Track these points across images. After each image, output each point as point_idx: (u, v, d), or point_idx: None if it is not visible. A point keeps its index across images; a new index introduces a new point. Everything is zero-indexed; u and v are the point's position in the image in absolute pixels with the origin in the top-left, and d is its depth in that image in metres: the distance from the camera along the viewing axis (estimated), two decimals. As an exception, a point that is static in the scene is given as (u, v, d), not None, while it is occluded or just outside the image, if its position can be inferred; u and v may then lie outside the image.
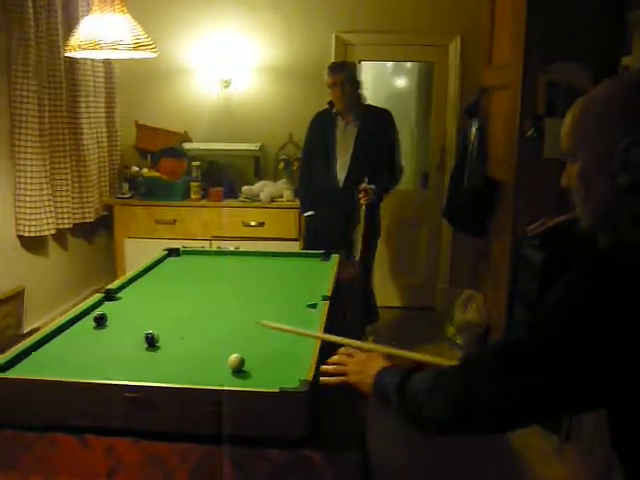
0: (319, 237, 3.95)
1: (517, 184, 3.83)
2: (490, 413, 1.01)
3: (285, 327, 1.64)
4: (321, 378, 1.49)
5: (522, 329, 0.99)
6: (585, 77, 3.52)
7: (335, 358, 1.50)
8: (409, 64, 5.48)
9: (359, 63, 5.00)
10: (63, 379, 1.62)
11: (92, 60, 4.55)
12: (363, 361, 1.40)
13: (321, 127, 4.07)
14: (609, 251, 0.99)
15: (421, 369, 1.21)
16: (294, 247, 4.21)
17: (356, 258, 3.64)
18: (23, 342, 1.92)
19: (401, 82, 5.60)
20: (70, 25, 4.11)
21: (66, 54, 2.63)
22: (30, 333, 3.68)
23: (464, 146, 4.52)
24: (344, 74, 3.88)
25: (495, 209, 4.27)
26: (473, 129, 4.45)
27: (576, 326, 0.91)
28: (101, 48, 2.48)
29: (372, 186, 3.80)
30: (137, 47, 2.56)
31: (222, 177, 4.88)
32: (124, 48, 2.51)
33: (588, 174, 1.04)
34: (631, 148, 0.96)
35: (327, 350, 1.82)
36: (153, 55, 2.74)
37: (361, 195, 3.78)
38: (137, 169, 4.92)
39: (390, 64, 5.50)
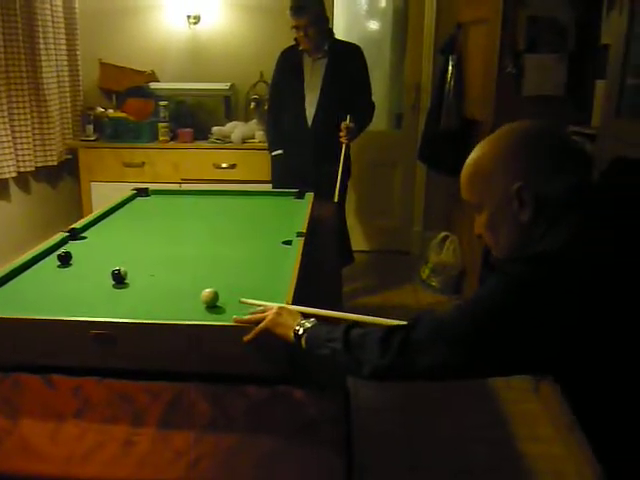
0: (288, 176, 3.83)
1: (495, 123, 3.74)
2: (424, 374, 1.15)
3: (264, 303, 1.56)
4: (234, 319, 1.48)
5: (460, 315, 1.12)
6: (568, 11, 3.42)
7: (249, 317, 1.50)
8: (383, 2, 5.29)
9: (332, 0, 4.84)
10: (27, 317, 1.54)
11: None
12: (278, 313, 1.45)
13: (288, 65, 3.91)
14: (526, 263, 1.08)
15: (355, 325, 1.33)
16: (267, 189, 4.09)
17: (335, 199, 3.54)
18: (-18, 281, 1.82)
19: (375, 21, 5.41)
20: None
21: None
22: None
23: (440, 85, 4.41)
24: (307, 16, 3.67)
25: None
26: (450, 67, 4.33)
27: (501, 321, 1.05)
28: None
29: (353, 124, 3.68)
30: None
31: (191, 118, 4.72)
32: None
33: (494, 221, 1.19)
34: (522, 190, 1.12)
35: (304, 287, 1.75)
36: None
37: (343, 134, 3.67)
38: (102, 110, 4.71)
39: (364, 1, 5.31)
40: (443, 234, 4.46)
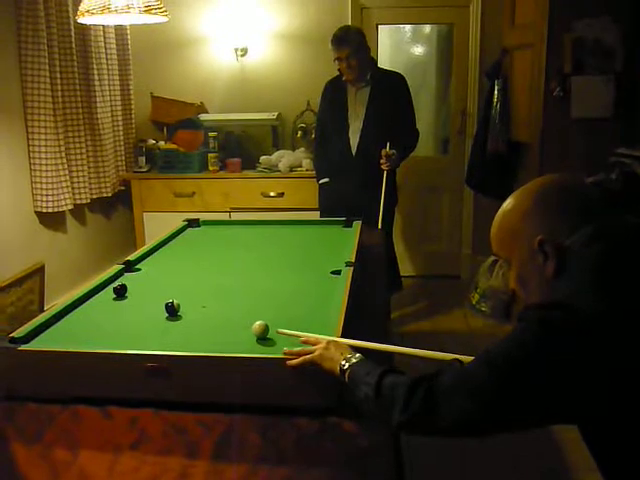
0: (335, 205, 3.87)
1: (543, 146, 3.72)
2: (452, 428, 1.15)
3: (302, 334, 1.59)
4: (284, 352, 1.51)
5: (481, 366, 1.12)
6: (614, 32, 3.39)
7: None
8: (428, 28, 5.33)
9: (376, 27, 4.90)
10: (84, 350, 1.58)
11: (104, 30, 4.47)
12: (326, 347, 1.47)
13: (332, 95, 3.98)
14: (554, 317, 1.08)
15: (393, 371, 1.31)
16: (314, 217, 4.13)
17: (378, 225, 3.55)
18: (43, 314, 1.89)
19: (420, 47, 5.45)
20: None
21: (77, 20, 2.56)
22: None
23: (486, 109, 4.40)
24: (348, 47, 3.72)
25: (520, 173, 4.17)
26: (495, 91, 4.32)
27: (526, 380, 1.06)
28: (110, 12, 2.40)
29: (394, 151, 3.70)
30: (147, 11, 2.48)
31: (239, 148, 4.81)
32: (134, 12, 2.43)
33: (522, 275, 1.22)
34: (543, 243, 1.14)
35: (353, 318, 1.76)
36: (164, 19, 2.65)
37: (383, 161, 3.69)
38: (153, 142, 4.86)
39: (408, 28, 5.34)
40: (492, 258, 4.40)
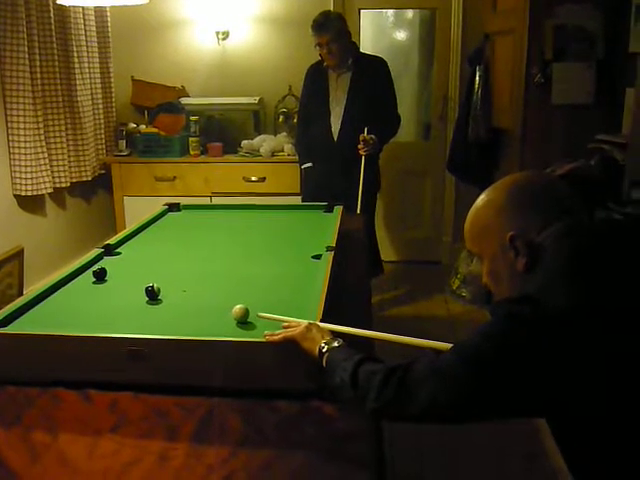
0: (318, 190, 3.87)
1: (524, 132, 3.74)
2: (422, 415, 1.17)
3: (283, 317, 1.60)
4: (265, 334, 1.51)
5: (453, 357, 1.15)
6: (596, 19, 3.40)
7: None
8: (410, 13, 5.31)
9: (358, 12, 4.88)
10: (63, 333, 1.58)
11: (84, 12, 4.41)
12: (309, 328, 1.48)
13: (314, 80, 3.97)
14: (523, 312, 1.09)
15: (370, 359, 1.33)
16: (297, 201, 4.13)
17: (357, 211, 3.56)
18: (22, 297, 1.88)
19: (402, 32, 5.43)
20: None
21: (57, 1, 2.52)
22: (31, 293, 3.66)
23: (467, 95, 4.41)
24: (328, 34, 3.71)
25: (501, 159, 4.19)
26: (477, 77, 4.33)
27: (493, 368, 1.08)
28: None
29: (372, 136, 3.70)
30: (128, -8, 2.45)
31: (221, 132, 4.78)
32: (114, -7, 2.40)
33: (494, 270, 1.24)
34: (514, 239, 1.16)
35: (334, 302, 1.77)
36: (145, 1, 2.62)
37: (360, 146, 3.69)
38: (134, 126, 4.82)
39: (391, 13, 5.33)
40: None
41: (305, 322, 1.51)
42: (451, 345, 1.28)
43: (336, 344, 1.40)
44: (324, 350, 1.39)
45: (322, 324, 1.53)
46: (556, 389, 1.04)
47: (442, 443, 2.72)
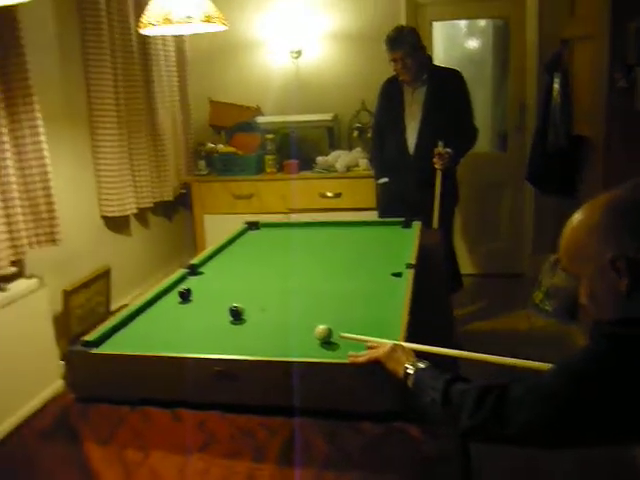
0: (394, 204, 3.85)
1: (607, 139, 3.61)
2: (519, 437, 1.16)
3: (366, 338, 1.60)
4: (349, 355, 1.51)
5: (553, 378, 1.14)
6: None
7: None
8: (483, 22, 5.25)
9: (430, 24, 4.86)
10: (152, 354, 1.63)
11: (163, 39, 4.57)
12: (393, 349, 1.48)
13: (389, 94, 3.96)
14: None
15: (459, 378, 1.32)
16: (372, 217, 4.13)
17: (434, 225, 3.53)
18: (112, 318, 1.95)
19: (475, 41, 5.37)
20: (139, 4, 4.14)
21: (140, 31, 2.62)
22: (118, 310, 3.79)
23: (545, 103, 4.30)
24: (402, 49, 3.70)
25: (583, 168, 4.06)
26: (555, 85, 4.22)
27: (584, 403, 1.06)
28: (172, 23, 2.46)
29: (448, 150, 3.66)
30: (207, 20, 2.52)
31: (296, 149, 4.84)
32: (195, 22, 2.48)
33: (594, 291, 1.18)
34: (616, 261, 1.11)
35: (417, 320, 1.76)
36: (223, 28, 2.70)
37: (435, 159, 3.65)
38: (212, 145, 4.94)
39: (463, 23, 5.28)
40: (555, 256, 4.31)
41: (389, 343, 1.51)
42: (539, 364, 1.25)
43: (422, 365, 1.39)
44: (410, 371, 1.39)
45: (406, 344, 1.52)
46: None
47: (531, 466, 2.64)
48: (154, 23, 2.47)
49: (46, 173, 3.22)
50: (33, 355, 3.05)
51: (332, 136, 4.90)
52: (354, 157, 4.67)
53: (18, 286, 3.07)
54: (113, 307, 4.01)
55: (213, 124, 5.14)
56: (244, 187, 4.71)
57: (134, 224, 4.49)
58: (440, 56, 4.90)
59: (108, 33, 3.93)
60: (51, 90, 3.54)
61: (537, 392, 1.12)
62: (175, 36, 4.77)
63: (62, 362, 3.31)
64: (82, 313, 3.68)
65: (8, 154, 3.02)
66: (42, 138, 3.19)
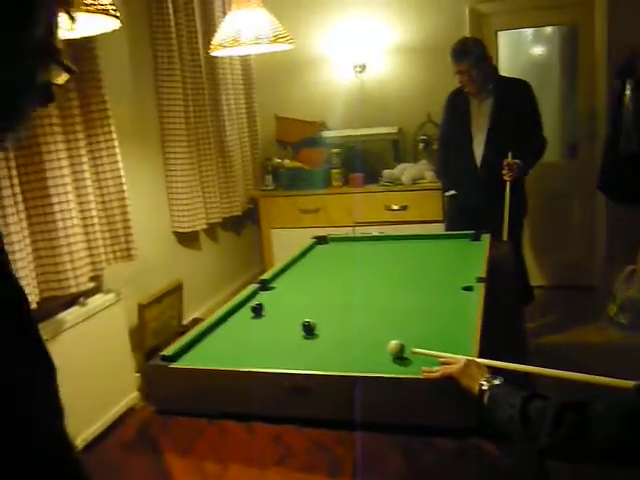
0: (462, 217, 3.83)
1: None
2: (600, 456, 1.15)
3: (439, 353, 1.61)
4: (423, 371, 1.51)
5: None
6: None
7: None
8: (548, 29, 5.15)
9: (495, 34, 4.81)
10: (227, 368, 1.68)
11: (230, 58, 4.69)
12: (467, 365, 1.47)
13: (455, 106, 3.95)
14: None
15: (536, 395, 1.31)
16: (439, 229, 4.11)
17: (503, 237, 3.48)
18: (188, 333, 2.01)
19: (541, 49, 5.28)
20: (206, 25, 4.28)
21: (210, 53, 2.71)
22: (190, 323, 3.90)
23: (617, 110, 4.20)
24: (468, 60, 3.67)
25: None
26: (627, 91, 4.12)
27: None
28: (241, 44, 2.53)
29: (517, 161, 3.61)
30: (276, 40, 2.59)
31: (362, 163, 4.87)
32: (264, 42, 2.55)
33: None
34: None
35: (489, 335, 1.75)
36: (290, 47, 2.76)
37: (505, 171, 3.61)
38: (279, 161, 5.03)
39: (528, 31, 5.20)
40: (630, 268, 4.18)
41: (463, 358, 1.51)
42: (618, 380, 1.23)
43: (497, 382, 1.39)
44: (485, 388, 1.38)
45: (480, 360, 1.52)
46: None
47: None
48: (224, 45, 2.54)
49: (122, 192, 3.35)
50: (110, 367, 3.16)
51: (397, 149, 4.91)
52: (420, 169, 4.66)
53: (96, 301, 3.19)
54: (185, 320, 4.12)
55: (279, 139, 5.23)
56: (310, 201, 4.76)
57: (204, 239, 4.61)
58: (505, 65, 4.83)
59: (178, 56, 4.06)
60: (125, 112, 3.68)
61: (618, 410, 1.10)
62: (242, 57, 4.89)
63: (138, 374, 3.42)
64: (156, 326, 3.79)
65: (87, 174, 3.15)
66: (118, 158, 3.32)
